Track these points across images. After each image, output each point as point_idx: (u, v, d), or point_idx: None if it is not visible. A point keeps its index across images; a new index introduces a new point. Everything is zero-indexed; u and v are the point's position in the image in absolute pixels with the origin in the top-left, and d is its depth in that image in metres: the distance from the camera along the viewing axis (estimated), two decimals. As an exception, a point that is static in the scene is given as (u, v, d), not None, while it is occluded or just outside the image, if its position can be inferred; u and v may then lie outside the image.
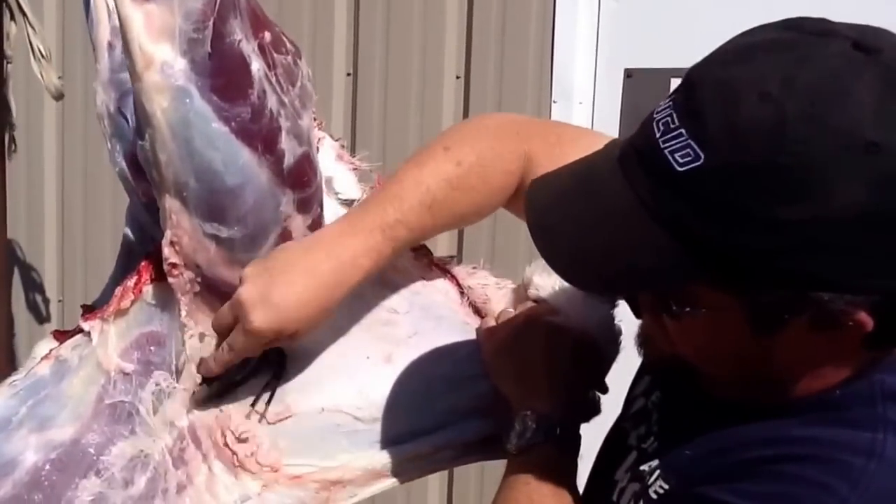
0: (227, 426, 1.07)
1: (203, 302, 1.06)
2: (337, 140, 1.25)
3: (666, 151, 0.74)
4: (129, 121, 1.12)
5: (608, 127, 2.32)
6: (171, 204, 1.00)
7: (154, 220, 1.11)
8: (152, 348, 1.09)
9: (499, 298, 1.17)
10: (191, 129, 0.96)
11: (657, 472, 0.87)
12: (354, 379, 1.10)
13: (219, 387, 1.07)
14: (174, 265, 1.03)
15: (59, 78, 2.50)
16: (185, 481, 1.07)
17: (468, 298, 1.19)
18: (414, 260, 1.19)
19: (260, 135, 0.99)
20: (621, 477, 0.94)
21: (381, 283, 1.15)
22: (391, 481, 1.11)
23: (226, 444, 1.06)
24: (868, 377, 0.80)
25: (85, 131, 2.81)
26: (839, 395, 0.80)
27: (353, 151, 1.24)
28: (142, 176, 1.07)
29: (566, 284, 1.06)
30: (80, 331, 1.14)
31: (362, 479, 1.10)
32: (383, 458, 1.10)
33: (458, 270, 1.20)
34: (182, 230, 1.01)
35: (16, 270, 2.93)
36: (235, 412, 1.07)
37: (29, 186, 2.93)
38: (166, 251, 1.02)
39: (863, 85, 0.71)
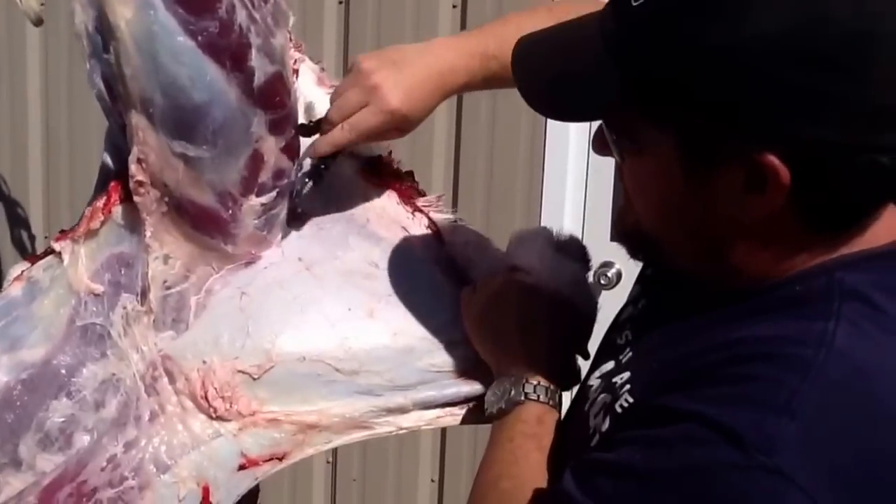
0: (210, 381, 1.06)
1: (170, 222, 1.05)
2: (317, 63, 1.22)
3: None
4: (109, 40, 1.11)
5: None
6: (137, 120, 0.98)
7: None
8: (122, 270, 1.08)
9: (481, 262, 1.16)
10: (155, 42, 0.94)
11: (627, 385, 0.87)
12: (336, 329, 1.09)
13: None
14: (140, 183, 1.02)
15: (42, 5, 2.44)
16: (157, 410, 1.07)
17: (447, 254, 1.17)
18: (397, 205, 1.18)
19: (228, 50, 0.97)
20: (594, 383, 0.95)
21: (362, 234, 1.15)
22: (368, 432, 1.12)
23: (205, 398, 1.06)
24: (829, 274, 0.80)
25: (70, 58, 2.73)
26: (798, 292, 0.80)
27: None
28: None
29: (541, 249, 1.08)
30: (52, 252, 1.12)
31: (339, 426, 1.10)
32: (361, 408, 1.10)
33: (443, 223, 1.19)
34: (149, 147, 1.00)
35: (0, 206, 2.91)
36: (220, 368, 1.07)
37: (12, 118, 2.87)
38: (133, 168, 1.01)
39: None
